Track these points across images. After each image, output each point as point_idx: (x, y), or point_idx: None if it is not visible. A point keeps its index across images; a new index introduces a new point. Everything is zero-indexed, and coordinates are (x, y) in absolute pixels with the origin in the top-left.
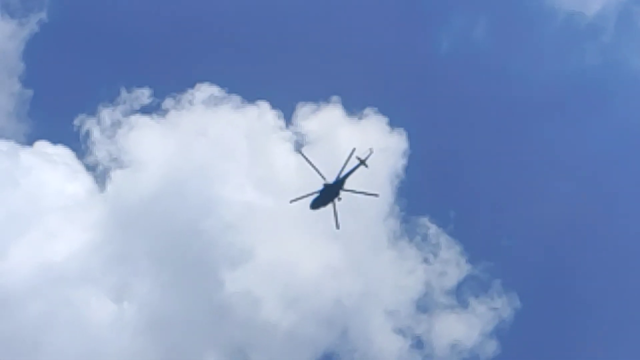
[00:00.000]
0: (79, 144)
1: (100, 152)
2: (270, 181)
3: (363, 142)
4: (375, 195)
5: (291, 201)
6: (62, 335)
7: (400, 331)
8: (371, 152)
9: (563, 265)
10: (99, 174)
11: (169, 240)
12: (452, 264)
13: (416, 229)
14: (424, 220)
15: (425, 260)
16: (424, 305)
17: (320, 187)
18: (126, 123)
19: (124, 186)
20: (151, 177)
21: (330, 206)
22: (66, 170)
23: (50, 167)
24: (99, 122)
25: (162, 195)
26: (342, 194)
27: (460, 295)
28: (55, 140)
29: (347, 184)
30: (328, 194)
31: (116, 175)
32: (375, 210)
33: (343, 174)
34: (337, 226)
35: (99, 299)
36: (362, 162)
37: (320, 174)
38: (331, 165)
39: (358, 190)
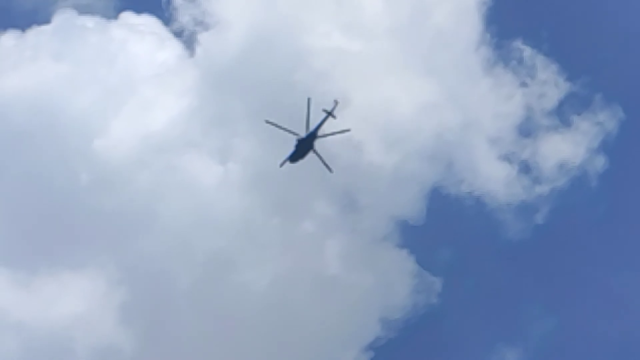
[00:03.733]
0: (162, 12)
1: (184, 17)
2: (356, 25)
3: None
4: (347, 130)
5: (280, 165)
6: (173, 202)
7: (505, 158)
8: (336, 103)
9: None
10: (187, 39)
11: (263, 96)
12: (550, 84)
13: (510, 53)
14: (517, 44)
15: (523, 84)
16: (526, 130)
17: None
18: None
19: (212, 48)
20: (238, 36)
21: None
22: (154, 39)
23: (138, 38)
24: None
25: (251, 52)
26: (316, 143)
27: (562, 114)
28: (139, 10)
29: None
30: (303, 148)
31: (203, 38)
32: (465, 41)
33: (313, 127)
34: (330, 170)
35: (203, 163)
36: (330, 114)
37: (292, 132)
38: None
39: (330, 133)
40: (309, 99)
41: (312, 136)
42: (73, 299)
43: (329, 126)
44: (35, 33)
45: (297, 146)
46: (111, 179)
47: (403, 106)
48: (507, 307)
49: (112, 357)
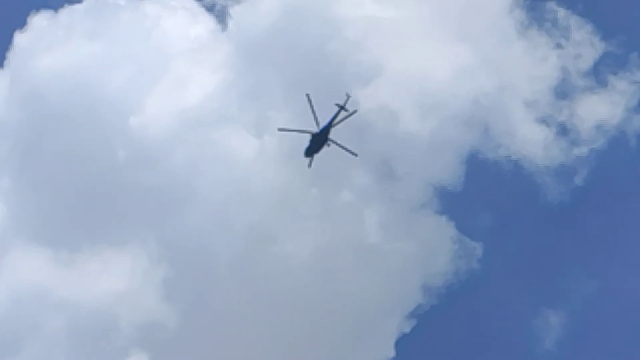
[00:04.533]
0: None
1: None
2: None
3: None
4: (355, 154)
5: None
6: (211, 177)
7: (542, 121)
8: (348, 97)
9: None
10: (218, 13)
11: (297, 68)
12: (585, 44)
13: (544, 15)
14: (551, 5)
15: (558, 46)
16: (562, 91)
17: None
18: None
19: (244, 21)
20: (269, 8)
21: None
22: (186, 15)
23: (170, 14)
24: None
25: (283, 23)
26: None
27: (598, 74)
28: None
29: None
30: (317, 143)
31: (235, 11)
32: (498, 4)
33: (326, 121)
34: (354, 154)
35: (240, 136)
36: (342, 107)
37: (304, 131)
38: None
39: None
40: (307, 95)
41: (326, 131)
42: (116, 276)
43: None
44: (68, 12)
45: (311, 141)
46: (149, 156)
47: (437, 72)
48: (549, 270)
49: (157, 333)
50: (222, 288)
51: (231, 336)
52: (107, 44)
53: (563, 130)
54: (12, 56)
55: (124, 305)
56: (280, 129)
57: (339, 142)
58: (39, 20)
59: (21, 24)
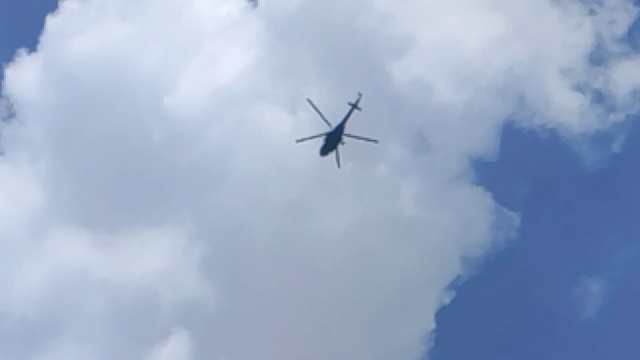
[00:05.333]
0: None
1: None
2: None
3: None
4: (376, 141)
5: (297, 141)
6: (246, 154)
7: (577, 88)
8: (360, 95)
9: None
10: None
11: (329, 43)
12: (619, 10)
13: None
14: None
15: (591, 12)
16: (597, 58)
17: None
18: None
19: None
20: None
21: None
22: None
23: None
24: None
25: None
26: (344, 138)
27: (633, 40)
28: None
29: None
30: (332, 141)
31: None
32: None
33: (340, 120)
34: (338, 165)
35: (274, 113)
36: (355, 106)
37: (325, 120)
38: None
39: (357, 135)
40: (309, 100)
41: (340, 130)
42: (155, 255)
43: (358, 127)
44: None
45: (326, 140)
46: (183, 135)
47: (470, 43)
48: (588, 238)
49: (197, 311)
50: (260, 265)
51: (270, 312)
52: (139, 25)
53: (599, 97)
54: (44, 40)
55: (164, 285)
56: (298, 141)
57: (355, 134)
58: (71, 3)
59: (53, 7)
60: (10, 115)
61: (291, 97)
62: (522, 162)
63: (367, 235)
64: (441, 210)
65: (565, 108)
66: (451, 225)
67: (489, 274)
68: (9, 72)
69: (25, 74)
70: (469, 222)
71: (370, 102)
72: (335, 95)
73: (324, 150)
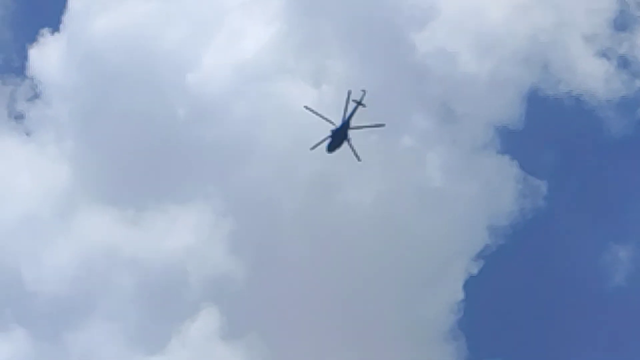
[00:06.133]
0: None
1: None
2: None
3: None
4: (381, 125)
5: (311, 149)
6: (270, 128)
7: (602, 54)
8: (364, 93)
9: None
10: None
11: (352, 15)
12: None
13: None
14: None
15: None
16: (621, 23)
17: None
18: None
19: None
20: None
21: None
22: None
23: None
24: None
25: None
26: (350, 133)
27: None
28: None
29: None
30: (338, 138)
31: None
32: None
33: (346, 116)
34: (358, 158)
35: (298, 87)
36: (360, 103)
37: (328, 120)
38: None
39: (363, 125)
40: (306, 107)
41: (345, 126)
42: (182, 232)
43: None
44: None
45: (332, 137)
46: (208, 112)
47: (493, 11)
48: (615, 204)
49: (226, 286)
50: (288, 238)
51: (298, 285)
52: (161, 2)
53: (624, 63)
54: (67, 19)
55: (192, 261)
56: (306, 107)
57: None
58: None
59: None
60: (35, 95)
61: (315, 71)
62: (547, 130)
63: (394, 207)
64: (467, 180)
65: (590, 75)
66: (478, 195)
67: (516, 243)
68: (33, 52)
69: (49, 54)
70: (496, 191)
71: (394, 73)
72: (358, 68)
73: (331, 147)
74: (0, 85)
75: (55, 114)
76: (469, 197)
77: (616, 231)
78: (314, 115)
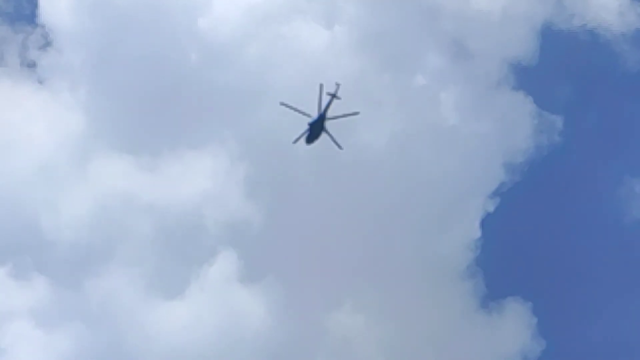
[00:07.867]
0: None
1: None
2: None
3: None
4: (356, 113)
5: (293, 142)
6: (283, 71)
7: None
8: (338, 85)
9: None
10: None
11: None
12: None
13: None
14: None
15: None
16: None
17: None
18: None
19: None
20: None
21: None
22: None
23: None
24: None
25: None
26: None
27: None
28: None
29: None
30: (315, 130)
31: None
32: None
33: (322, 109)
34: (339, 147)
35: (310, 28)
36: (334, 96)
37: (304, 114)
38: None
39: (339, 115)
40: (282, 103)
41: (322, 118)
42: (198, 177)
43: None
44: None
45: (309, 129)
46: (220, 55)
47: None
48: (631, 138)
49: (243, 231)
50: (303, 181)
51: (314, 228)
52: None
53: None
54: None
55: (209, 206)
56: (282, 104)
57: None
58: None
59: None
60: (47, 43)
61: (326, 11)
62: (562, 65)
63: (409, 146)
64: (482, 117)
65: (604, 7)
66: (493, 132)
67: (532, 179)
68: (43, 0)
69: (59, 1)
70: (511, 128)
71: (406, 12)
72: (370, 8)
73: (309, 139)
74: (12, 34)
75: (67, 61)
76: (484, 135)
77: (632, 165)
78: (326, 55)
